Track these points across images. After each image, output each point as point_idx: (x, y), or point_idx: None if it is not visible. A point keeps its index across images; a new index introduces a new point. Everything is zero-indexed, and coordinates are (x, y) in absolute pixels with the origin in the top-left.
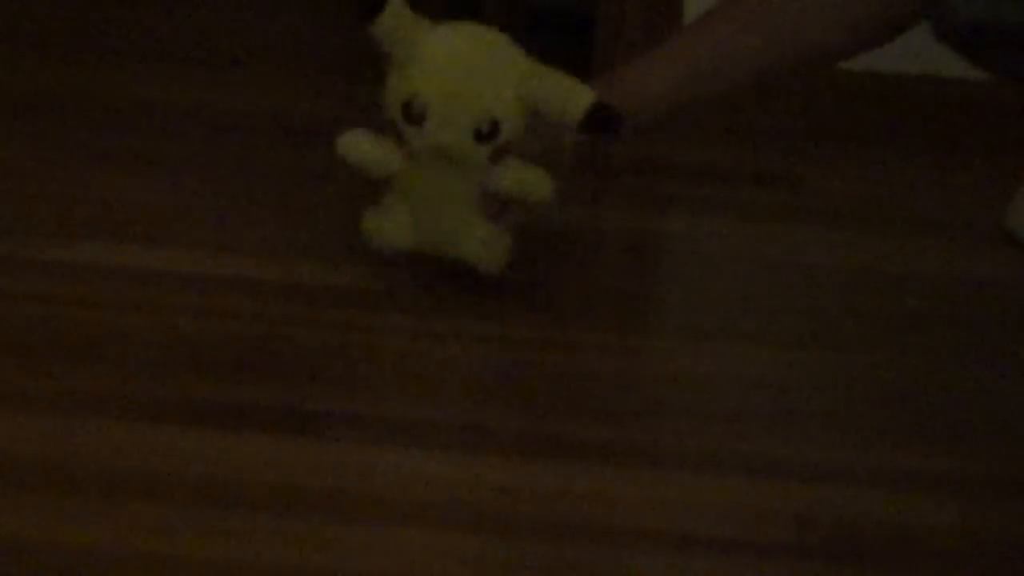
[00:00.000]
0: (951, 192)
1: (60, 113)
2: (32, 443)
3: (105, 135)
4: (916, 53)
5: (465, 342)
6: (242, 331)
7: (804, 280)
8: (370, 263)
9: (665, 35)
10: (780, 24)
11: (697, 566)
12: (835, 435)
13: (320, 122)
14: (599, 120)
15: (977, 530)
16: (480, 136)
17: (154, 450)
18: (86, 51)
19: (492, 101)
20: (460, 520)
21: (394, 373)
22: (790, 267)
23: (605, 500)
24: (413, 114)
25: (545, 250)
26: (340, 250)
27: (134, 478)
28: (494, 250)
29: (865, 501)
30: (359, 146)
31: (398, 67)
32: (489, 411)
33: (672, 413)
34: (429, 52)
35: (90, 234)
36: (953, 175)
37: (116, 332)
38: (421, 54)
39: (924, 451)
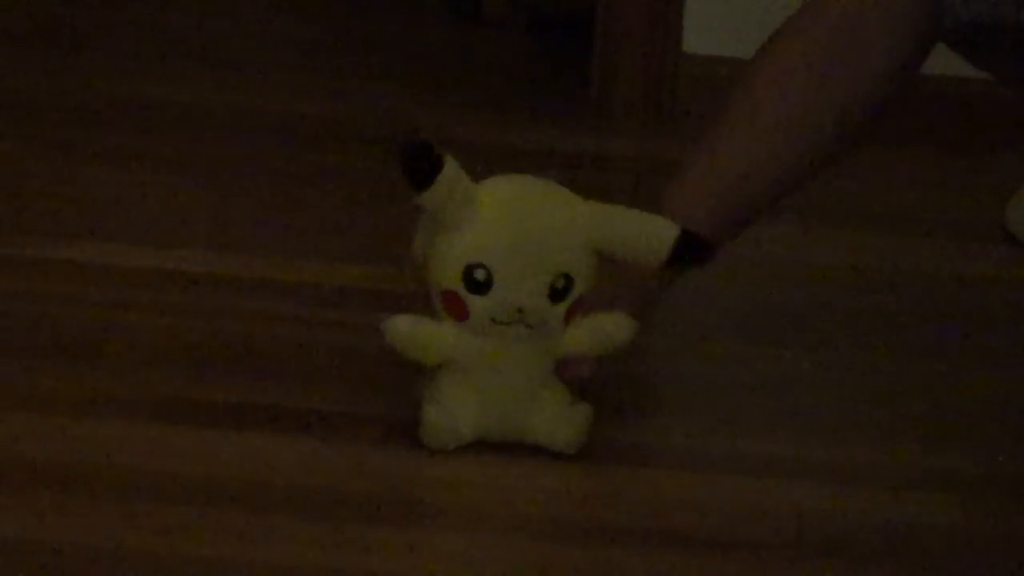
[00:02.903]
0: (951, 192)
1: (60, 113)
2: (32, 443)
3: (105, 135)
4: None
5: None
6: (242, 331)
7: (804, 280)
8: (370, 263)
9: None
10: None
11: (697, 566)
12: (835, 435)
13: (320, 122)
14: (689, 251)
15: (978, 529)
16: (555, 294)
17: (154, 450)
18: (86, 51)
19: (562, 255)
20: (460, 519)
21: (394, 373)
22: (790, 267)
23: (605, 500)
24: (477, 281)
25: None
26: (340, 250)
27: (134, 478)
28: (571, 427)
29: (865, 501)
30: (410, 334)
31: (448, 232)
32: None
33: (672, 413)
34: (485, 212)
35: (90, 234)
36: (953, 175)
37: (116, 332)
38: (475, 215)
39: (924, 450)
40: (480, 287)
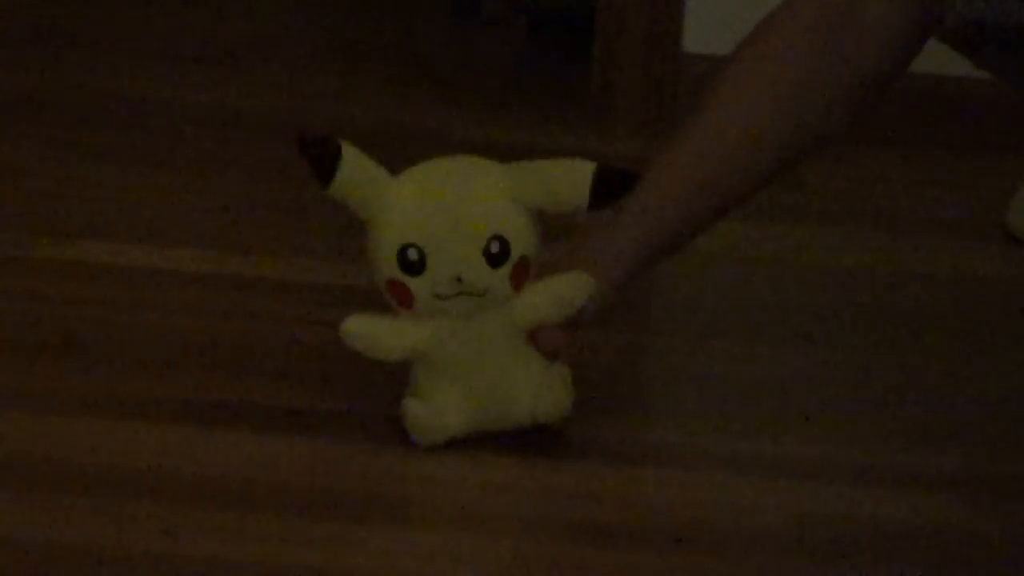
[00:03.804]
0: (952, 191)
1: (60, 112)
2: (32, 443)
3: (105, 134)
4: None
5: None
6: (242, 331)
7: (804, 280)
8: None
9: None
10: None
11: (697, 566)
12: (835, 435)
13: (321, 122)
14: (610, 185)
15: (978, 529)
16: (492, 259)
17: (154, 450)
18: (85, 50)
19: (490, 217)
20: (460, 520)
21: (394, 372)
22: (790, 267)
23: (605, 500)
24: (411, 262)
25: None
26: (340, 250)
27: (134, 478)
28: (553, 389)
29: (865, 501)
30: (367, 333)
31: (374, 223)
32: None
33: (673, 413)
34: (405, 194)
35: (90, 234)
36: (954, 174)
37: (116, 331)
38: (395, 200)
39: (924, 450)
40: (415, 266)
